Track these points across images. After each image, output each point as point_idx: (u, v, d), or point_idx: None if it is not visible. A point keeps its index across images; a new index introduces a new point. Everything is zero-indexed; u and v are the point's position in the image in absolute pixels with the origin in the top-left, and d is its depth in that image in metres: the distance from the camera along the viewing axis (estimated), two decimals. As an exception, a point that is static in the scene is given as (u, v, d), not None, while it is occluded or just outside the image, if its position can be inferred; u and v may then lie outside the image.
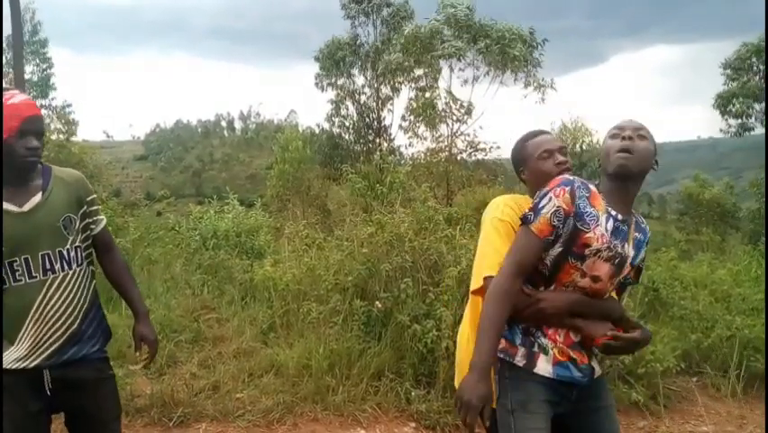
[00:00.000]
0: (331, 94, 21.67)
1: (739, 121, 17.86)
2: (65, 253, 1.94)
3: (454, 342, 2.45)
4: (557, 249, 1.82)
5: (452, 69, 16.28)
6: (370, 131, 22.05)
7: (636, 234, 1.92)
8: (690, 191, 16.44)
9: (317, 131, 22.97)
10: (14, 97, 1.85)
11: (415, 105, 16.36)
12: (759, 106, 17.16)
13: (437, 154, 14.40)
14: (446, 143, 14.67)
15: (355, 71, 21.26)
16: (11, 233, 1.83)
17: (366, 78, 21.28)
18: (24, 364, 1.88)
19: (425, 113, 15.10)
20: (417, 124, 16.20)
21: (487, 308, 1.80)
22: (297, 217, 10.21)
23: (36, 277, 1.88)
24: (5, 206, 1.84)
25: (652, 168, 1.89)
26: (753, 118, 17.50)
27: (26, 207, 1.88)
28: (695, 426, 4.25)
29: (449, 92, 15.42)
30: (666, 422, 4.15)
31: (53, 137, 17.40)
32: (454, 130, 14.89)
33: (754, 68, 17.36)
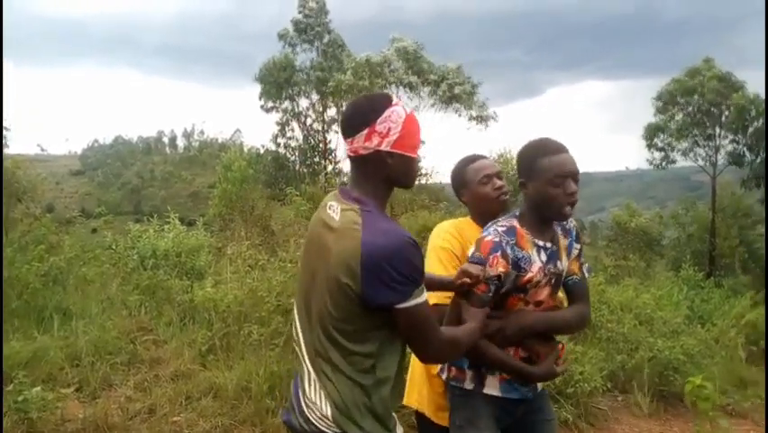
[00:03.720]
0: (276, 116, 21.73)
1: (663, 154, 19.14)
2: None
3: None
4: (501, 293, 1.90)
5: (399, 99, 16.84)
6: (316, 153, 22.15)
7: (564, 241, 2.03)
8: (619, 219, 17.34)
9: (262, 151, 22.88)
10: None
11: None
12: (680, 144, 18.43)
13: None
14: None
15: (297, 94, 21.49)
16: None
17: (310, 100, 21.48)
18: None
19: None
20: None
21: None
22: (239, 238, 10.10)
23: None
24: None
25: None
26: (674, 151, 18.81)
27: None
28: (620, 444, 4.49)
29: None
30: (593, 440, 4.36)
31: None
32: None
33: (681, 103, 18.67)
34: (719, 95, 17.91)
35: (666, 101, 18.82)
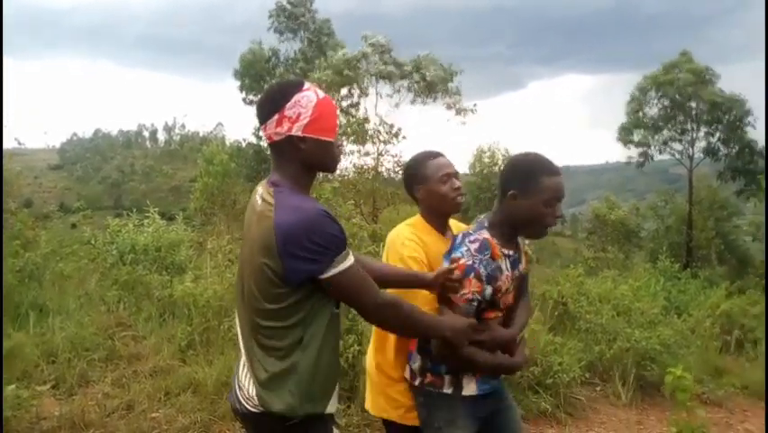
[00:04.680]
0: (257, 108, 21.60)
1: (641, 150, 19.43)
2: None
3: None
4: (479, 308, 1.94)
5: (379, 96, 16.90)
6: (298, 146, 22.07)
7: (522, 244, 2.09)
8: (598, 212, 17.55)
9: (244, 145, 22.71)
10: None
11: (347, 124, 16.69)
12: (657, 137, 18.67)
13: (364, 174, 14.67)
14: (373, 164, 15.00)
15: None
16: None
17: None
18: None
19: (356, 129, 15.38)
20: (345, 143, 16.50)
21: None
22: (221, 232, 10.03)
23: None
24: None
25: None
26: (652, 147, 19.10)
27: None
28: None
29: (379, 117, 16.00)
30: (572, 430, 4.41)
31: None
32: (381, 150, 15.29)
33: (653, 100, 18.96)
34: (694, 89, 18.18)
35: (640, 97, 19.09)
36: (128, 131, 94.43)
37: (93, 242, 7.01)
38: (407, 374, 2.08)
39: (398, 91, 17.42)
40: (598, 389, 5.22)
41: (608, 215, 16.48)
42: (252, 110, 21.91)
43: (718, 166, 19.10)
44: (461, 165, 18.69)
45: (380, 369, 2.13)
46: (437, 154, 2.16)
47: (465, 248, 1.91)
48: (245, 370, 1.62)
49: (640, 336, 5.47)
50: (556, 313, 5.80)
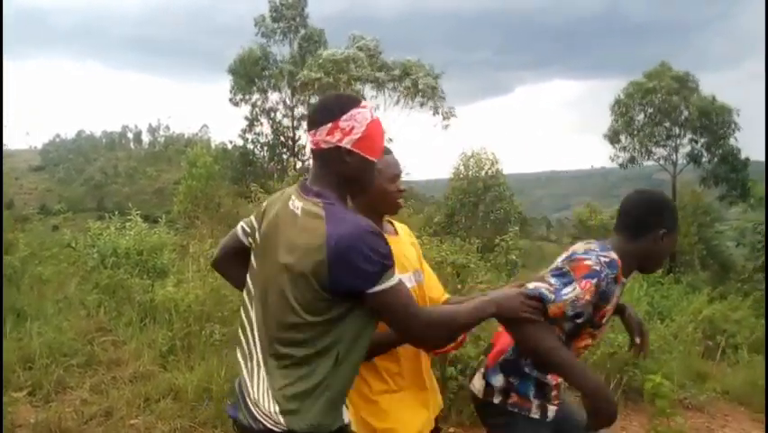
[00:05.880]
0: (245, 110, 21.45)
1: (628, 155, 19.68)
2: None
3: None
4: (575, 322, 1.88)
5: (364, 98, 16.98)
6: (285, 149, 21.96)
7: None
8: (581, 217, 17.70)
9: (230, 147, 22.59)
10: None
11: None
12: (642, 142, 18.91)
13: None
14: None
15: (269, 88, 21.23)
16: None
17: (282, 94, 21.26)
18: None
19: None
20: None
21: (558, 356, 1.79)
22: (204, 235, 9.94)
23: None
24: None
25: None
26: (635, 152, 19.37)
27: None
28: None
29: None
30: (555, 435, 4.41)
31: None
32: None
33: (639, 106, 19.21)
34: (678, 96, 18.44)
35: (627, 103, 19.34)
36: (112, 132, 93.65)
37: (73, 245, 6.91)
38: (480, 390, 2.05)
39: (384, 94, 17.54)
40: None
41: (590, 220, 16.64)
42: (239, 111, 21.86)
43: (701, 172, 19.35)
44: (447, 170, 18.81)
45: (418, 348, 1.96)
46: (388, 151, 2.08)
47: (595, 256, 1.86)
48: (262, 385, 1.54)
49: (623, 341, 5.50)
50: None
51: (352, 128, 1.54)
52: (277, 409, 1.50)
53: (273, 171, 18.56)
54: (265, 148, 21.95)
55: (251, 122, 21.60)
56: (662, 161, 19.84)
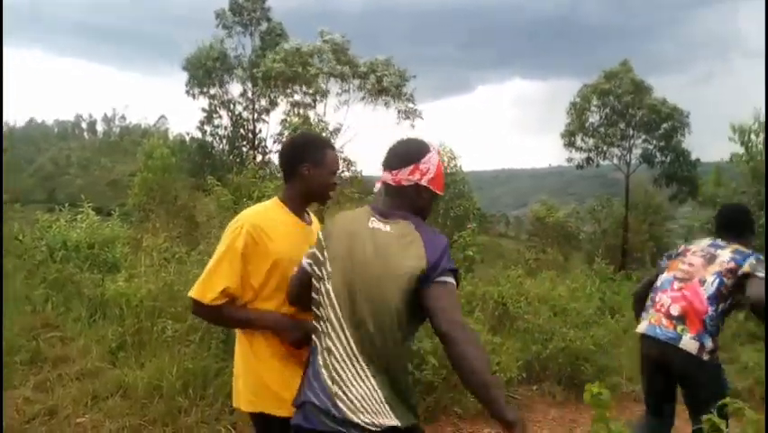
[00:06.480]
0: (203, 102, 20.97)
1: (584, 155, 20.18)
2: None
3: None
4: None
5: (328, 92, 16.87)
6: (245, 142, 21.61)
7: None
8: (538, 215, 18.05)
9: (188, 139, 22.09)
10: None
11: (289, 121, 16.56)
12: (598, 143, 19.41)
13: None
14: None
15: (229, 81, 20.79)
16: None
17: (244, 87, 20.86)
18: None
19: (300, 128, 15.28)
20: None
21: None
22: (160, 229, 9.69)
23: None
24: None
25: None
26: (591, 152, 19.89)
27: None
28: (534, 432, 4.65)
29: (318, 115, 16.02)
30: (507, 428, 4.49)
31: None
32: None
33: (595, 107, 19.72)
34: (633, 97, 18.99)
35: (583, 104, 19.81)
36: (64, 121, 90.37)
37: (20, 237, 6.64)
38: (697, 350, 2.87)
39: (348, 90, 17.49)
40: (534, 388, 5.34)
41: (547, 218, 16.99)
42: (197, 104, 21.38)
43: (654, 172, 19.95)
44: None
45: (254, 356, 2.06)
46: (333, 146, 2.25)
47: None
48: (359, 386, 1.71)
49: (575, 336, 5.64)
50: (496, 313, 5.90)
51: (428, 170, 1.88)
52: (378, 408, 1.71)
53: (232, 165, 18.22)
54: (224, 140, 21.55)
55: (210, 114, 21.14)
56: (616, 162, 20.39)
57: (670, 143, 19.41)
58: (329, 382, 1.74)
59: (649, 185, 20.55)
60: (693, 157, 19.58)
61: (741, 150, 14.55)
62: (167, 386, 3.73)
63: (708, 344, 2.86)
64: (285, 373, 2.02)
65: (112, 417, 3.54)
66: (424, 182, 1.87)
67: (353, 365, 1.73)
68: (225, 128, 21.40)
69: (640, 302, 3.33)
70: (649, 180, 20.48)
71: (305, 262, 1.91)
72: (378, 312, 1.72)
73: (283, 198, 2.16)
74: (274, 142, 18.74)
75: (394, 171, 1.87)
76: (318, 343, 1.81)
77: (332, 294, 1.79)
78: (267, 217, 2.08)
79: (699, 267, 3.05)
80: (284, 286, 2.02)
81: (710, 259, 3.06)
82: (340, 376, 1.73)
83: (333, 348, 1.77)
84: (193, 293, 2.03)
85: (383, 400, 1.70)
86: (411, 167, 1.86)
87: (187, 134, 22.30)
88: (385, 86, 16.38)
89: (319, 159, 2.11)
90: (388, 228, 1.82)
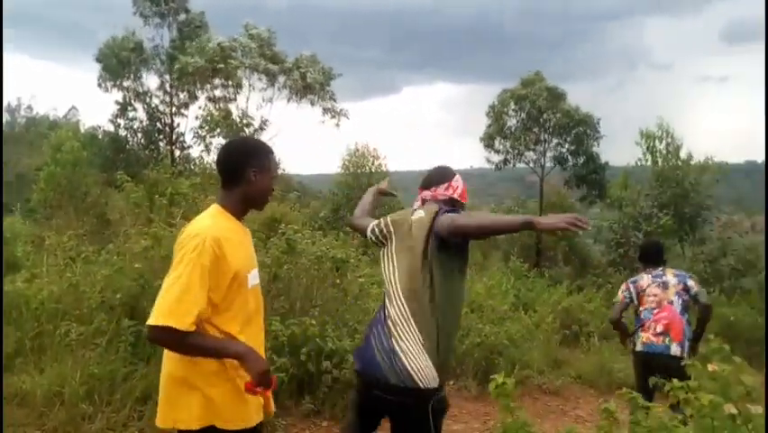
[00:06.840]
0: (117, 95, 19.89)
1: (502, 157, 20.94)
2: None
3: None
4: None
5: (252, 87, 16.52)
6: (162, 136, 20.73)
7: None
8: (461, 214, 18.49)
9: (100, 132, 20.93)
10: None
11: (210, 116, 16.07)
12: (515, 146, 20.23)
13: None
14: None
15: (144, 73, 19.84)
16: None
17: (162, 80, 19.98)
18: None
19: (221, 123, 14.87)
20: (212, 135, 15.88)
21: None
22: (68, 227, 9.14)
23: None
24: None
25: None
26: (510, 155, 20.69)
27: None
28: (448, 425, 4.76)
29: (242, 110, 15.66)
30: (424, 423, 4.57)
31: None
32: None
33: (511, 112, 20.55)
34: (548, 103, 19.88)
35: (501, 109, 20.61)
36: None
37: None
38: (680, 353, 3.91)
39: (273, 86, 17.16)
40: (451, 383, 5.47)
41: (469, 217, 17.49)
42: (111, 96, 20.29)
43: (566, 175, 20.94)
44: (334, 164, 18.60)
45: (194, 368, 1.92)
46: (274, 152, 2.18)
47: None
48: (419, 348, 2.19)
49: (490, 331, 5.84)
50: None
51: (458, 186, 2.57)
52: (432, 370, 2.21)
53: (148, 160, 17.43)
54: (139, 134, 20.57)
55: (124, 106, 20.11)
56: (531, 164, 21.26)
57: (581, 147, 20.43)
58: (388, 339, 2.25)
59: (561, 186, 21.52)
60: (603, 160, 20.70)
61: (643, 155, 15.63)
62: (69, 392, 3.52)
63: (687, 346, 3.97)
64: (231, 387, 1.93)
65: (8, 426, 3.31)
66: (455, 196, 2.54)
67: (410, 331, 2.23)
68: (141, 122, 20.44)
69: (620, 325, 4.38)
70: (561, 182, 21.46)
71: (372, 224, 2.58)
72: (424, 275, 2.25)
73: (224, 204, 2.04)
74: (193, 137, 18.06)
75: (433, 188, 2.54)
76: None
77: (392, 258, 2.40)
78: (222, 228, 1.96)
79: (660, 294, 4.15)
80: (241, 299, 1.95)
81: (664, 286, 4.17)
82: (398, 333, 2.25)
83: (389, 308, 2.30)
84: (167, 320, 1.78)
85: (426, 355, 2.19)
86: (446, 184, 2.54)
87: (100, 128, 21.14)
88: (309, 82, 16.17)
89: (265, 164, 2.06)
90: (423, 213, 2.42)
